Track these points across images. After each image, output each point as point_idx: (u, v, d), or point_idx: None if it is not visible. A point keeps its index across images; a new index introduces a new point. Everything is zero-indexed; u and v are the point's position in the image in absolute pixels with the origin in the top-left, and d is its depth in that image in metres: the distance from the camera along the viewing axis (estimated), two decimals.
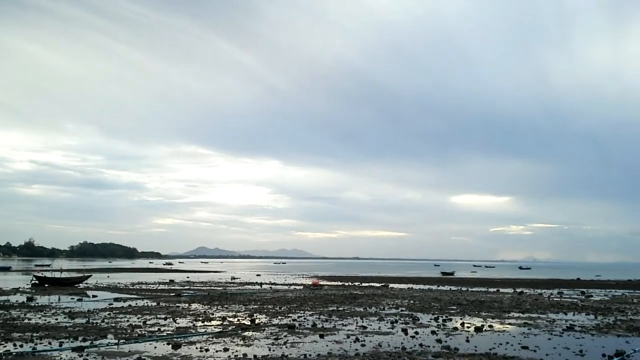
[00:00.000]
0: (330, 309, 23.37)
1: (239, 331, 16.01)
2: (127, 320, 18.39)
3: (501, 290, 41.41)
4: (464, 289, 42.72)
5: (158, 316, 19.92)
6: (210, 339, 14.59)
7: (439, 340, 14.42)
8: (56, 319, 18.63)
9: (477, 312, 22.95)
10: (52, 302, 25.99)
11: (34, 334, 14.72)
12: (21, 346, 12.86)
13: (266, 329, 16.67)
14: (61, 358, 11.80)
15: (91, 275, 50.37)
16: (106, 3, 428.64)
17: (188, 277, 60.70)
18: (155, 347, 13.21)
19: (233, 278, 59.47)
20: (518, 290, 41.16)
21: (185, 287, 40.09)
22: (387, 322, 18.58)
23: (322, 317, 20.13)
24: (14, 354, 12.02)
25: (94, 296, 30.50)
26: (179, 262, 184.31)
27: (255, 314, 20.66)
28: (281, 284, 46.48)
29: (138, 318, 19.22)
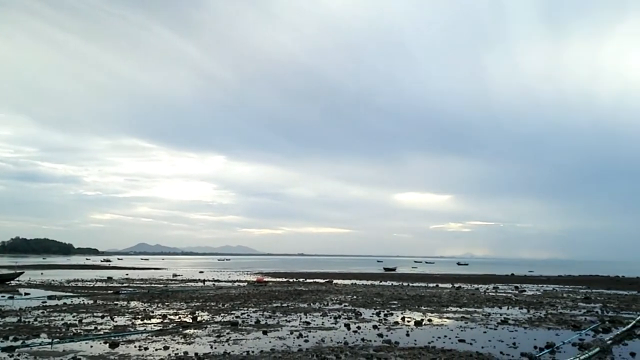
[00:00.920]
0: (274, 305, 23.34)
1: (180, 329, 15.71)
2: (62, 319, 17.63)
3: (440, 285, 42.75)
4: (405, 284, 43.75)
5: (95, 314, 19.23)
6: (150, 337, 14.23)
7: (380, 335, 14.71)
8: None
9: (418, 306, 23.57)
10: None
11: None
12: None
13: (208, 326, 16.44)
14: None
15: (23, 272, 48.05)
16: None
17: (127, 274, 58.99)
18: (91, 346, 12.74)
19: (175, 275, 58.27)
20: (456, 285, 42.64)
21: (124, 285, 38.89)
22: (330, 318, 18.76)
23: (265, 313, 20.07)
24: None
25: (26, 294, 29.05)
26: (118, 259, 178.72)
27: (197, 312, 20.32)
28: (225, 281, 45.92)
29: (73, 316, 18.47)
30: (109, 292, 31.00)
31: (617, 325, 17.08)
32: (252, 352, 12.04)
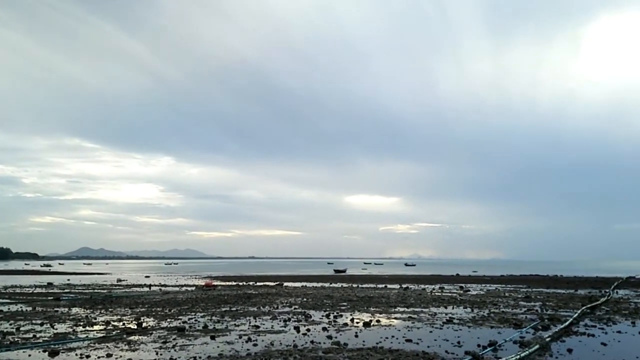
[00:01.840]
0: (223, 309, 23.02)
1: (124, 336, 15.22)
2: None
3: (389, 286, 43.41)
4: (355, 285, 44.19)
5: (34, 322, 18.37)
6: (92, 344, 13.71)
7: (329, 337, 14.77)
8: None
9: (366, 307, 23.84)
10: None
11: None
12: None
13: (154, 332, 16.02)
14: None
15: None
16: None
17: (69, 280, 56.83)
18: (29, 355, 12.16)
19: (119, 280, 56.52)
20: (404, 286, 43.47)
21: (66, 291, 37.35)
22: (280, 321, 18.68)
23: (214, 318, 19.76)
24: None
25: None
26: (59, 264, 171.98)
27: (142, 317, 19.76)
28: (172, 286, 44.91)
29: (10, 324, 17.58)
30: (49, 298, 29.70)
31: (556, 323, 17.85)
32: (199, 357, 11.81)
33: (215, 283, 47.78)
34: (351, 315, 20.62)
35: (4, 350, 12.58)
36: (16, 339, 14.37)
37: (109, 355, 12.10)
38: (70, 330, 16.47)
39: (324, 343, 13.76)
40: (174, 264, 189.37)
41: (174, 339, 14.55)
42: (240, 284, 48.35)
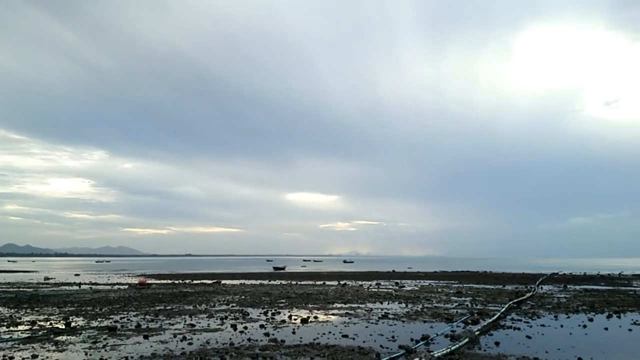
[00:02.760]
0: (157, 308, 22.44)
1: (52, 336, 14.52)
2: None
3: (327, 283, 43.84)
4: (294, 282, 44.29)
5: None
6: (17, 345, 12.99)
7: (266, 334, 14.74)
8: None
9: (305, 304, 23.97)
10: None
11: None
12: None
13: (83, 332, 15.38)
14: None
15: None
16: None
17: None
18: None
19: (47, 278, 53.81)
20: (342, 282, 44.04)
21: None
22: (216, 319, 18.44)
23: (147, 317, 19.22)
24: None
25: None
26: None
27: (71, 317, 18.92)
28: (103, 284, 43.21)
29: None
30: None
31: (485, 317, 18.66)
32: (131, 357, 11.46)
33: (149, 281, 46.41)
34: (289, 312, 20.66)
35: None
36: None
37: (34, 357, 11.51)
38: None
39: (261, 340, 13.71)
40: (106, 261, 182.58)
41: (105, 339, 14.04)
42: (176, 282, 47.24)
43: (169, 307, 22.64)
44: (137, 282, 44.89)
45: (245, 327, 16.19)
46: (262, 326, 16.54)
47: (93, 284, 43.79)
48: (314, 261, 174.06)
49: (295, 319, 18.28)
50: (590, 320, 18.50)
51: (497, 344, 13.40)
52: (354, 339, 14.13)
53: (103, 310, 21.60)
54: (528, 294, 29.36)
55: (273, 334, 14.70)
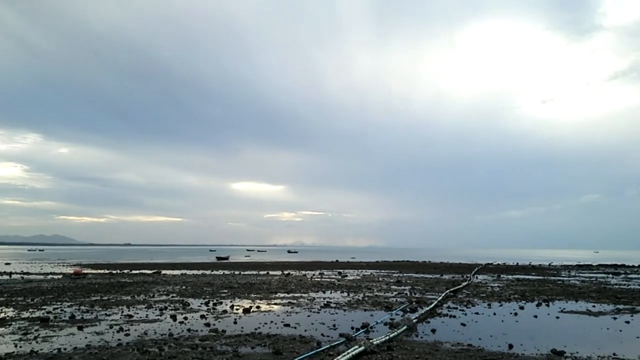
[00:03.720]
0: (93, 298, 21.69)
1: None
2: None
3: (271, 272, 43.83)
4: (237, 272, 43.98)
5: None
6: None
7: (207, 324, 14.57)
8: None
9: (247, 294, 23.86)
10: None
11: None
12: None
13: (13, 323, 14.68)
14: None
15: None
16: None
17: None
18: None
19: None
20: (286, 272, 44.14)
21: None
22: (156, 310, 18.04)
23: (82, 307, 18.54)
24: None
25: None
26: None
27: (0, 308, 18.00)
28: (36, 274, 41.27)
29: None
30: None
31: (422, 306, 19.24)
32: (65, 349, 11.04)
33: (85, 271, 44.73)
34: (231, 302, 20.51)
35: None
36: None
37: None
38: None
39: (202, 330, 13.54)
40: (40, 250, 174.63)
41: (36, 330, 13.46)
42: (114, 272, 45.75)
43: (106, 298, 21.94)
44: (72, 271, 43.10)
45: (186, 318, 15.94)
46: (202, 316, 16.33)
47: (25, 273, 41.77)
48: (258, 251, 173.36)
49: (237, 309, 18.16)
50: (521, 308, 19.45)
51: (433, 331, 13.84)
52: (295, 328, 14.21)
53: (35, 300, 20.66)
54: (464, 283, 30.51)
55: (214, 324, 14.55)
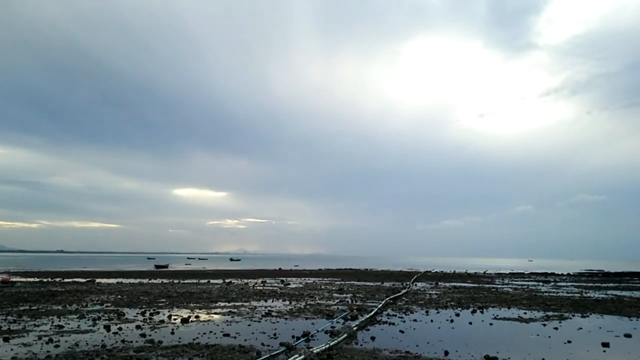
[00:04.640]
0: (22, 308, 20.56)
1: None
2: None
3: (212, 281, 43.07)
4: (176, 281, 42.88)
5: None
6: None
7: (143, 335, 14.13)
8: None
9: (186, 303, 23.33)
10: None
11: None
12: None
13: None
14: None
15: None
16: None
17: None
18: None
19: None
20: (227, 280, 43.51)
21: None
22: (88, 320, 17.32)
23: (9, 317, 17.55)
24: None
25: None
26: None
27: None
28: None
29: None
30: None
31: (363, 313, 19.48)
32: None
33: (13, 279, 42.31)
34: (169, 311, 19.99)
35: None
36: None
37: None
38: None
39: (137, 341, 13.12)
40: None
41: None
42: (45, 280, 43.53)
43: (35, 307, 20.86)
44: None
45: (120, 328, 15.39)
46: (138, 327, 15.83)
47: None
48: (199, 259, 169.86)
49: (175, 319, 17.73)
50: (457, 315, 20.08)
51: (373, 338, 14.05)
52: (235, 337, 14.03)
53: None
54: (403, 291, 31.19)
55: (150, 335, 14.14)
